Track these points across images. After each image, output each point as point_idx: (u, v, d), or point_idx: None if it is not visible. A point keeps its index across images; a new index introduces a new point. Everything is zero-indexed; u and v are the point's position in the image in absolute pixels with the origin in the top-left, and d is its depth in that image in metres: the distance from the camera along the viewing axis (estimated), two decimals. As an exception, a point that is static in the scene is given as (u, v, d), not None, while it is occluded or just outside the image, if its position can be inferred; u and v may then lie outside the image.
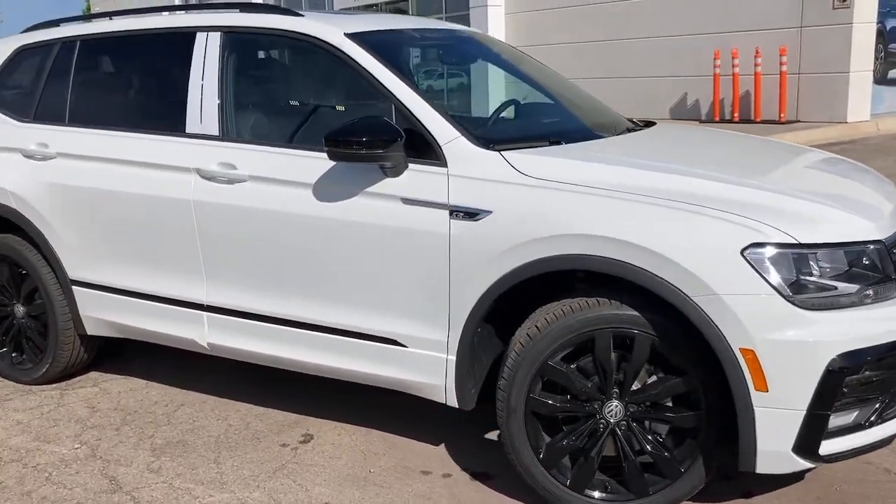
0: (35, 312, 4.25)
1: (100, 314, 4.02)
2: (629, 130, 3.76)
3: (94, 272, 3.96)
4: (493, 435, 3.60)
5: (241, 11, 3.71)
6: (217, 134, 3.56)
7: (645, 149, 3.52)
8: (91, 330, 4.10)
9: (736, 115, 14.19)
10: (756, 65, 13.58)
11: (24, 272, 4.22)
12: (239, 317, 3.54)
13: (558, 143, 3.23)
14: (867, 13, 13.04)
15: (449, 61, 3.96)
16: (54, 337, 4.16)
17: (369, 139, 3.01)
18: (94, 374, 4.45)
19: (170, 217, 3.61)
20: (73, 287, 4.04)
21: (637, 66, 15.62)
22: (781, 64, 13.30)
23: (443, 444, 3.53)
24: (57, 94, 4.11)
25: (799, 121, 13.55)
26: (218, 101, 3.57)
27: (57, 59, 4.14)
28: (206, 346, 3.69)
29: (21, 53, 4.34)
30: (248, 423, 3.80)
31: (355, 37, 3.37)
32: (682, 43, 15.01)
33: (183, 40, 3.73)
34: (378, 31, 3.60)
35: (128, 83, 4.09)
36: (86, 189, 3.86)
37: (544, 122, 3.88)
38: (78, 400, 4.14)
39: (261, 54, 3.79)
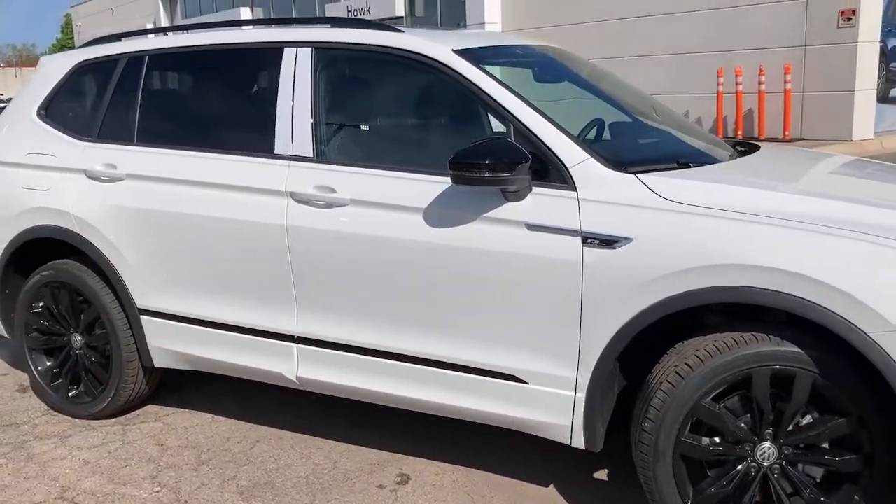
0: (95, 343, 3.98)
1: (170, 345, 3.77)
2: (739, 152, 3.58)
3: (166, 301, 3.71)
4: (602, 474, 3.40)
5: (332, 26, 3.50)
6: (311, 155, 3.34)
7: (779, 172, 3.35)
8: (158, 362, 3.85)
9: (739, 132, 14.14)
10: (760, 83, 13.57)
11: (83, 300, 3.96)
12: (336, 349, 3.31)
13: (687, 165, 3.05)
14: (871, 32, 13.07)
15: (542, 79, 3.76)
16: (118, 369, 3.90)
17: (493, 162, 2.82)
18: (152, 408, 4.19)
19: (258, 242, 3.39)
20: (141, 316, 3.79)
21: (638, 83, 15.45)
22: (786, 82, 13.30)
23: (552, 485, 3.32)
24: (124, 111, 3.86)
25: (803, 138, 13.54)
26: (311, 121, 3.35)
27: (123, 75, 3.89)
28: (294, 379, 3.45)
29: (81, 69, 4.09)
30: (334, 461, 3.57)
31: (464, 53, 3.18)
32: (685, 61, 14.96)
33: (268, 56, 3.52)
34: (485, 47, 3.41)
35: (204, 101, 3.84)
36: (160, 213, 3.62)
37: (645, 143, 3.68)
38: (143, 436, 3.88)
39: (358, 71, 3.57)
